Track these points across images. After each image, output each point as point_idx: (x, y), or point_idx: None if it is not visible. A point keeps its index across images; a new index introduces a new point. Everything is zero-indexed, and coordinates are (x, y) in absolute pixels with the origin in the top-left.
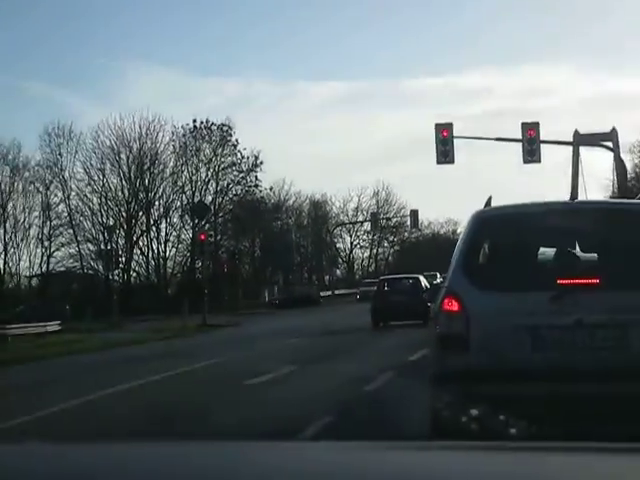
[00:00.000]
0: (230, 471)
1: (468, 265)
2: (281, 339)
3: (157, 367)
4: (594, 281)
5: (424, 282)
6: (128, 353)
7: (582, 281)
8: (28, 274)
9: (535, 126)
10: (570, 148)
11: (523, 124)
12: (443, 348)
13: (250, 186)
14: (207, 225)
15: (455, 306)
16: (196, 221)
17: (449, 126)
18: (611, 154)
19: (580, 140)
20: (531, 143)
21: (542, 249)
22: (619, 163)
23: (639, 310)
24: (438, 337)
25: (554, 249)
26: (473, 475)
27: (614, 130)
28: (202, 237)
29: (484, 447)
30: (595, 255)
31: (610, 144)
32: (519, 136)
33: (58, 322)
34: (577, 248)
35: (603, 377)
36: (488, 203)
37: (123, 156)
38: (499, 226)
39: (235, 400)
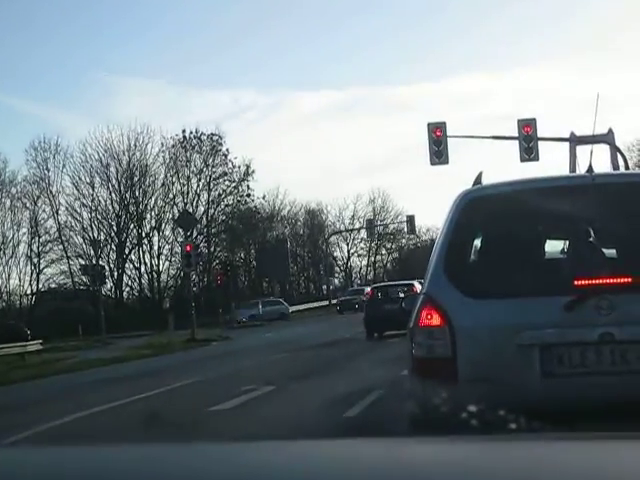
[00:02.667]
0: (224, 472)
1: (452, 264)
2: (269, 354)
3: (121, 391)
4: (625, 280)
5: (419, 289)
6: (101, 374)
7: (608, 281)
8: (18, 292)
9: (532, 122)
10: (567, 147)
11: (519, 121)
12: (422, 377)
13: (242, 195)
14: (200, 237)
15: (436, 319)
16: (188, 233)
17: (442, 125)
18: (609, 152)
19: (577, 142)
20: (528, 141)
21: (551, 239)
22: (616, 162)
23: None
24: (415, 362)
25: (568, 239)
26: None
27: (610, 131)
28: (188, 248)
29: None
30: (623, 245)
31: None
32: (516, 134)
33: (39, 341)
34: (597, 236)
35: None
36: (478, 181)
37: (112, 169)
38: (493, 210)
39: (180, 436)
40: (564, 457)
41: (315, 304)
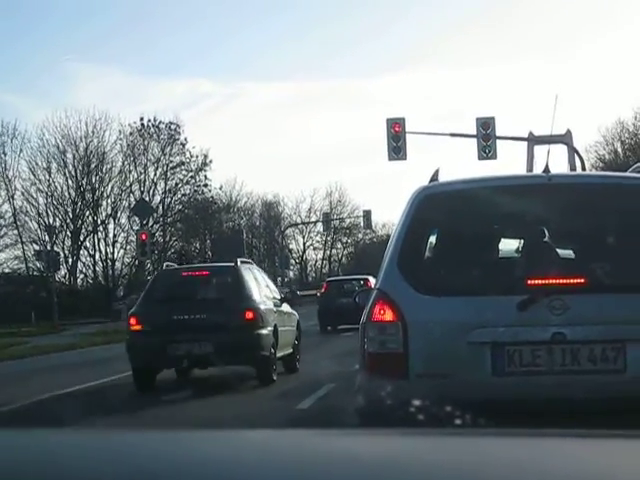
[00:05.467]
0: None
1: (407, 260)
2: None
3: (71, 379)
4: (578, 281)
5: (374, 284)
6: (53, 361)
7: (562, 281)
8: None
9: (490, 121)
10: (525, 146)
11: (478, 119)
12: (373, 372)
13: (199, 185)
14: (156, 225)
15: (389, 315)
16: (144, 221)
17: (401, 121)
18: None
19: (535, 142)
20: (486, 139)
21: (506, 238)
22: (574, 163)
23: None
24: (366, 356)
25: (522, 239)
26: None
27: (568, 132)
28: (143, 237)
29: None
30: (578, 246)
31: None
32: (474, 132)
33: None
34: (553, 237)
35: (590, 411)
36: (435, 177)
37: (69, 155)
38: (449, 207)
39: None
40: (508, 452)
41: None
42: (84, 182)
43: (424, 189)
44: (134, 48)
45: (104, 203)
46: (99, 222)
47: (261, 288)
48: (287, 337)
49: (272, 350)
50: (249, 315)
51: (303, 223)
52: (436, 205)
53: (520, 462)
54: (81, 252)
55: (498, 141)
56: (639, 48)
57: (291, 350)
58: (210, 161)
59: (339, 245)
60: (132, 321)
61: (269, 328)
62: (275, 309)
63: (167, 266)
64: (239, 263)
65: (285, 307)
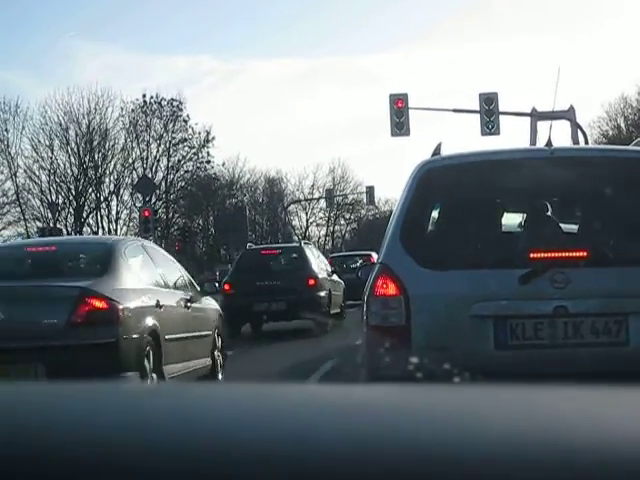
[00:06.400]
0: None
1: (409, 234)
2: None
3: None
4: (581, 254)
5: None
6: None
7: (564, 254)
8: None
9: (494, 96)
10: (528, 122)
11: (481, 94)
12: (375, 345)
13: (202, 162)
14: (159, 202)
15: (392, 289)
16: (147, 198)
17: (404, 96)
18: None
19: (538, 117)
20: (489, 114)
21: (509, 212)
22: (577, 138)
23: None
24: (369, 330)
25: (525, 212)
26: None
27: (571, 108)
28: (146, 214)
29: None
30: (581, 219)
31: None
32: (477, 108)
33: None
34: (555, 210)
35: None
36: (437, 151)
37: (72, 132)
38: (451, 181)
39: None
40: (511, 402)
41: None
42: (87, 159)
43: (426, 163)
44: (137, 25)
45: (107, 180)
46: (102, 199)
47: (319, 262)
48: (337, 299)
49: (327, 308)
50: (311, 282)
51: (306, 199)
52: (438, 179)
53: (521, 411)
54: (84, 229)
55: (501, 117)
56: None
57: (339, 310)
58: (213, 138)
59: (342, 221)
60: (226, 287)
61: (325, 292)
62: (328, 278)
63: (249, 247)
64: (302, 244)
65: (335, 277)
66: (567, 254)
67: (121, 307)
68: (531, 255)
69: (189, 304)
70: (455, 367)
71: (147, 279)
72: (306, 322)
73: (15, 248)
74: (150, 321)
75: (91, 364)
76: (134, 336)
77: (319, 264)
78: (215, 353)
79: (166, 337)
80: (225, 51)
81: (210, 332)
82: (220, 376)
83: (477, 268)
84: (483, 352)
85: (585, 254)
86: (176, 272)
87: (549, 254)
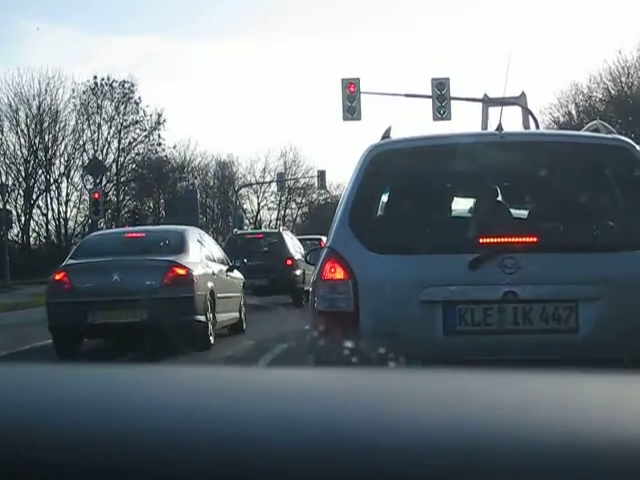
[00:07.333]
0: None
1: (358, 218)
2: None
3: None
4: (530, 240)
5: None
6: (3, 320)
7: (514, 240)
8: None
9: (446, 82)
10: (480, 108)
11: (433, 80)
12: (323, 331)
13: (153, 145)
14: (109, 185)
15: (340, 273)
16: (97, 180)
17: (356, 81)
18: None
19: (490, 103)
20: (441, 100)
21: (459, 197)
22: (528, 124)
23: (593, 279)
24: (317, 315)
25: (475, 197)
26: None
27: (523, 94)
28: (96, 196)
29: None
30: (531, 205)
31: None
32: (429, 93)
33: None
34: (505, 196)
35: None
36: (387, 135)
37: (22, 114)
38: (400, 165)
39: None
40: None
41: None
42: (37, 141)
43: (376, 146)
44: (85, 4)
45: (57, 162)
46: (52, 181)
47: (294, 245)
48: (309, 278)
49: (302, 285)
50: (289, 262)
51: (257, 183)
52: (387, 162)
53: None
54: (34, 211)
55: (453, 102)
56: (594, 12)
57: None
58: (164, 120)
59: (293, 205)
60: None
61: (300, 271)
62: (302, 259)
63: (235, 232)
64: (281, 229)
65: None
66: (517, 239)
67: (195, 274)
68: (481, 240)
69: (228, 273)
70: (403, 353)
71: (205, 255)
72: (285, 297)
73: (119, 234)
74: (210, 284)
75: (176, 311)
76: (202, 293)
77: (295, 247)
78: (242, 310)
79: (218, 295)
80: (175, 31)
81: (239, 294)
82: (244, 326)
83: (426, 253)
84: (431, 338)
85: (535, 239)
86: (219, 251)
87: (499, 239)
